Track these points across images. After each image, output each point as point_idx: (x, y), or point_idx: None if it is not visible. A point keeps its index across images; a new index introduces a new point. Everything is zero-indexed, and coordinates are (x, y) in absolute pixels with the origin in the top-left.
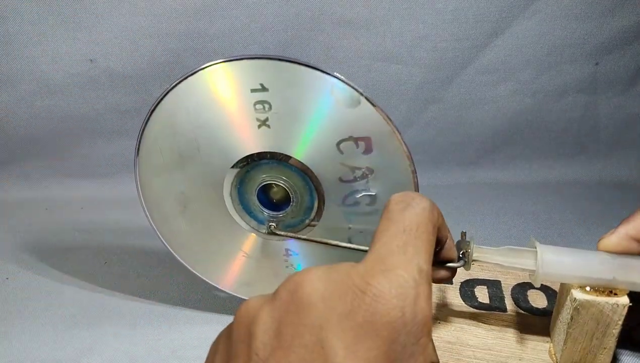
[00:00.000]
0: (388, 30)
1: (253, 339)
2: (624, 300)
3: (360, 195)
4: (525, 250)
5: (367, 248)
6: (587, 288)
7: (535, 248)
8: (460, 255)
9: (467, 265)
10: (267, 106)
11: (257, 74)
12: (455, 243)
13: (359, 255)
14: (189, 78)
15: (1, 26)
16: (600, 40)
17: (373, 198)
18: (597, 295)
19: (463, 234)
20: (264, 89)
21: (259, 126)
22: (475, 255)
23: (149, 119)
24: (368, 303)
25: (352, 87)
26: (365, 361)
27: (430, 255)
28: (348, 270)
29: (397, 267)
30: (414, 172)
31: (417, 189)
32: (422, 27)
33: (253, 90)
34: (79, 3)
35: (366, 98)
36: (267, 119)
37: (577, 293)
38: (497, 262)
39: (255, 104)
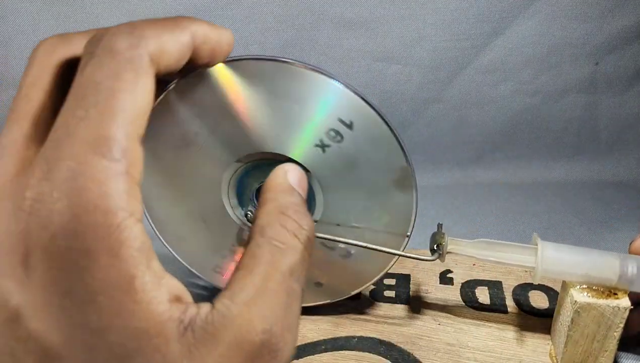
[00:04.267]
0: (388, 30)
1: None
2: (625, 302)
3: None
4: (517, 245)
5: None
6: (587, 294)
7: (536, 244)
8: (435, 248)
9: (441, 257)
10: (268, 106)
11: (258, 74)
12: (431, 235)
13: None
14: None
15: (1, 26)
16: (600, 40)
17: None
18: (598, 298)
19: (439, 226)
20: (266, 89)
21: (261, 126)
22: (450, 247)
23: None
24: None
25: (354, 92)
26: (41, 289)
27: None
28: None
29: None
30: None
31: (416, 190)
32: (422, 27)
33: (254, 90)
34: (78, 3)
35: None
36: (268, 119)
37: (577, 296)
38: (471, 254)
39: (256, 104)
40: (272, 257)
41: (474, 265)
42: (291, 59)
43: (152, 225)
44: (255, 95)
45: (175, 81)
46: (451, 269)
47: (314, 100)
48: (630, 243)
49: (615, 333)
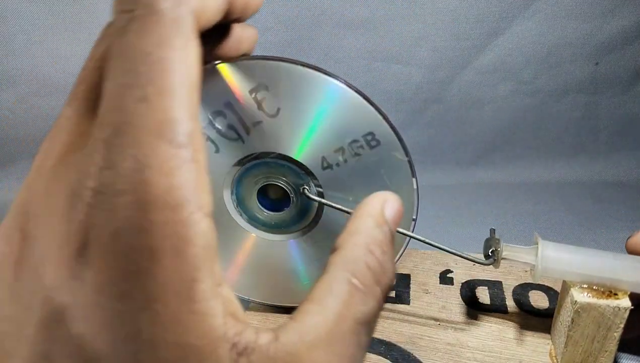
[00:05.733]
0: (388, 30)
1: None
2: (626, 302)
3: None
4: (526, 247)
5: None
6: (587, 294)
7: (537, 244)
8: (490, 254)
9: (496, 263)
10: (269, 107)
11: (260, 74)
12: (484, 241)
13: None
14: None
15: (1, 26)
16: (600, 40)
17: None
18: (598, 298)
19: (492, 231)
20: (265, 89)
21: (261, 126)
22: (504, 254)
23: None
24: None
25: (356, 90)
26: (94, 288)
27: None
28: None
29: None
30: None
31: (417, 193)
32: (422, 27)
33: (253, 90)
34: (79, 3)
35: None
36: (269, 119)
37: (577, 296)
38: (526, 261)
39: (258, 104)
40: (350, 298)
41: (474, 265)
42: (291, 59)
43: None
44: (256, 94)
45: None
46: (451, 269)
47: (315, 100)
48: (628, 239)
49: (615, 334)
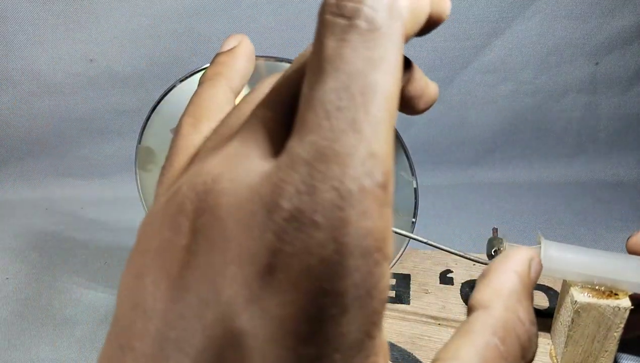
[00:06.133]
0: None
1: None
2: (626, 302)
3: None
4: (529, 246)
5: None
6: (587, 294)
7: (539, 244)
8: (493, 253)
9: None
10: None
11: (264, 75)
12: (487, 240)
13: None
14: (197, 74)
15: (1, 26)
16: (600, 40)
17: None
18: (598, 298)
19: (495, 231)
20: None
21: None
22: None
23: (154, 109)
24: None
25: None
26: (276, 322)
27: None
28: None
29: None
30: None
31: (417, 193)
32: None
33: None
34: (78, 3)
35: None
36: None
37: (578, 296)
38: None
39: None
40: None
41: (474, 265)
42: (289, 59)
43: None
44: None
45: (178, 80)
46: (451, 269)
47: None
48: (628, 239)
49: (615, 334)
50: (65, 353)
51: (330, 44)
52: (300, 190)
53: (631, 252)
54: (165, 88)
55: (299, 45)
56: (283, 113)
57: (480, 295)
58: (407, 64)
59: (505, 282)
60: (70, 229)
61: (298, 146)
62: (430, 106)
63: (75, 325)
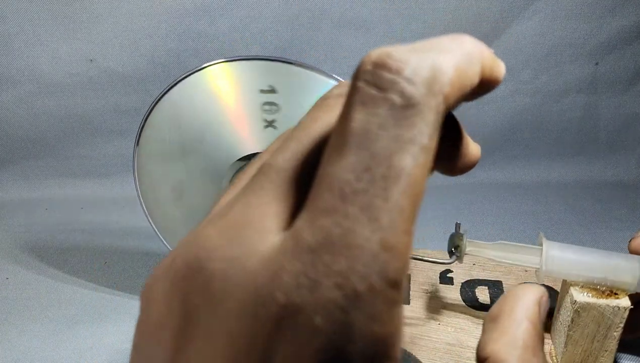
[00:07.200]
0: (388, 30)
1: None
2: (626, 302)
3: None
4: (528, 247)
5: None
6: (587, 293)
7: (541, 244)
8: (453, 250)
9: (460, 259)
10: (275, 108)
11: (266, 75)
12: (449, 237)
13: None
14: (197, 73)
15: (1, 26)
16: (600, 40)
17: None
18: (598, 297)
19: (457, 226)
20: (273, 90)
21: (265, 126)
22: (468, 249)
23: (152, 109)
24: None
25: None
26: None
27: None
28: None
29: None
30: None
31: None
32: (422, 27)
33: (263, 91)
34: (78, 3)
35: None
36: (274, 121)
37: (577, 295)
38: (490, 257)
39: (263, 105)
40: None
41: (474, 264)
42: (291, 60)
43: (154, 227)
44: (256, 94)
45: (170, 85)
46: (451, 269)
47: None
48: (630, 241)
49: (615, 333)
50: (65, 353)
51: (358, 116)
52: (301, 283)
53: (634, 253)
54: (170, 81)
55: (299, 45)
56: (298, 175)
57: (493, 345)
58: (453, 125)
59: (519, 334)
60: (70, 229)
61: (306, 228)
62: (468, 171)
63: (75, 325)
